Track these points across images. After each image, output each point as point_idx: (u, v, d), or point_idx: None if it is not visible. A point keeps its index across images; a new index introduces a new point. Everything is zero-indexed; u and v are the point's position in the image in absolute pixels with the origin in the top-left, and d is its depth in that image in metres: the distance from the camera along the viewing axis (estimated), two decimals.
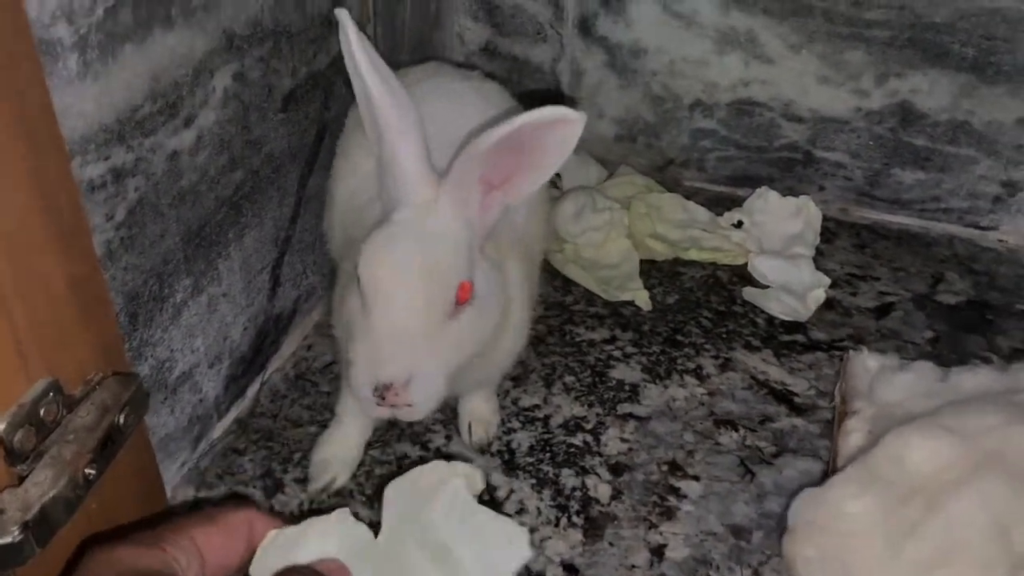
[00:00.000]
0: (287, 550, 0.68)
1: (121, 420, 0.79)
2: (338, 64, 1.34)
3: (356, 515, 0.71)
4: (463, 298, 0.88)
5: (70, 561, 0.72)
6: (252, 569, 0.68)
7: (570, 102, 1.86)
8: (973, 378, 1.18)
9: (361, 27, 0.93)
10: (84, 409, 0.78)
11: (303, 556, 0.68)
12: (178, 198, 1.02)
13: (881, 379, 1.22)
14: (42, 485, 0.71)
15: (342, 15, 0.90)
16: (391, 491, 0.73)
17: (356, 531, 0.71)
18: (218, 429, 1.22)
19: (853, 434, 1.16)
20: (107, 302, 0.82)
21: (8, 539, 0.67)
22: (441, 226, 0.89)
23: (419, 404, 0.86)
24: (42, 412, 0.73)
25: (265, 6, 1.12)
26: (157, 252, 1.00)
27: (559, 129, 0.86)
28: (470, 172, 0.88)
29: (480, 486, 0.76)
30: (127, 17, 0.88)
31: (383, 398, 0.84)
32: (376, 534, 0.71)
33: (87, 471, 0.75)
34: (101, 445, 0.77)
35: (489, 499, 1.14)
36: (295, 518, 0.70)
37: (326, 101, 1.34)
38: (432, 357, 0.87)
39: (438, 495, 0.73)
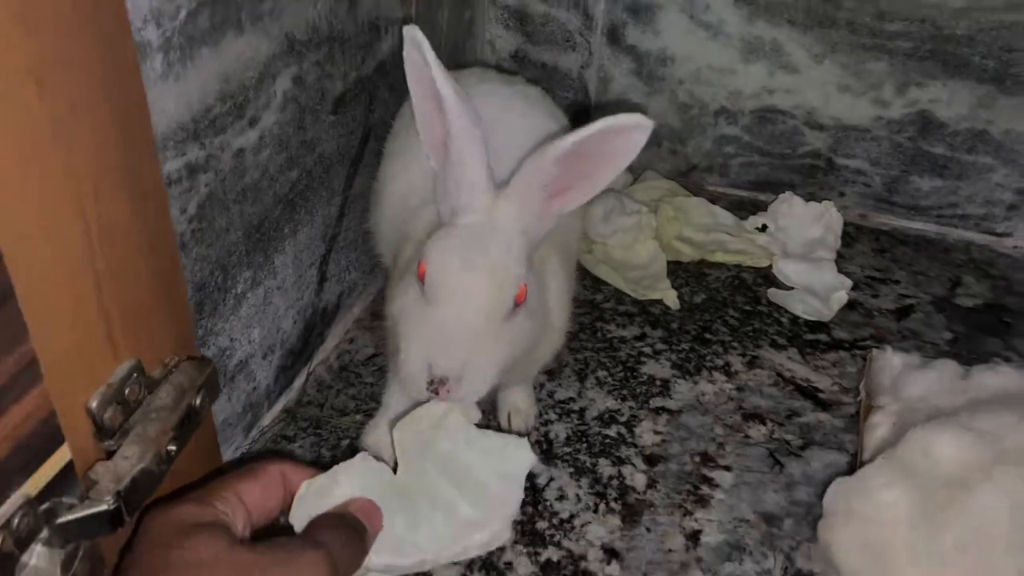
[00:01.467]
0: (319, 497, 0.78)
1: (197, 402, 0.84)
2: (383, 69, 1.40)
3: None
4: (519, 300, 0.90)
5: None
6: (291, 517, 0.78)
7: (601, 109, 1.92)
8: (994, 376, 1.22)
9: None
10: (164, 391, 0.82)
11: (334, 500, 0.78)
12: (242, 194, 1.07)
13: (905, 375, 1.27)
14: (131, 459, 0.75)
15: (415, 33, 0.94)
16: (399, 433, 0.83)
17: (379, 471, 0.80)
18: (268, 417, 1.27)
19: (879, 428, 1.21)
20: (183, 291, 0.87)
21: (104, 507, 0.71)
22: (505, 231, 0.91)
23: (468, 398, 0.88)
24: (127, 392, 0.77)
25: (322, 12, 1.18)
26: (222, 245, 1.05)
27: (627, 135, 0.88)
28: (536, 180, 0.90)
29: (476, 416, 0.86)
30: (204, 21, 0.93)
31: (436, 392, 0.85)
32: (395, 472, 0.81)
33: (169, 448, 0.79)
34: (180, 424, 0.82)
35: (530, 485, 1.19)
36: (324, 466, 0.79)
37: (371, 104, 1.39)
38: (486, 355, 0.88)
39: (443, 428, 0.84)
